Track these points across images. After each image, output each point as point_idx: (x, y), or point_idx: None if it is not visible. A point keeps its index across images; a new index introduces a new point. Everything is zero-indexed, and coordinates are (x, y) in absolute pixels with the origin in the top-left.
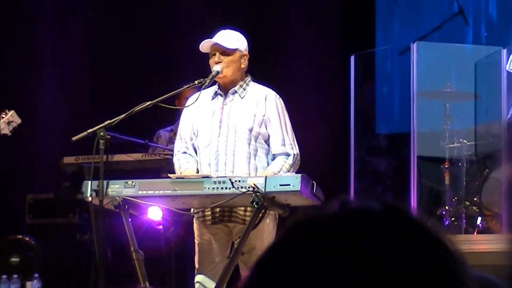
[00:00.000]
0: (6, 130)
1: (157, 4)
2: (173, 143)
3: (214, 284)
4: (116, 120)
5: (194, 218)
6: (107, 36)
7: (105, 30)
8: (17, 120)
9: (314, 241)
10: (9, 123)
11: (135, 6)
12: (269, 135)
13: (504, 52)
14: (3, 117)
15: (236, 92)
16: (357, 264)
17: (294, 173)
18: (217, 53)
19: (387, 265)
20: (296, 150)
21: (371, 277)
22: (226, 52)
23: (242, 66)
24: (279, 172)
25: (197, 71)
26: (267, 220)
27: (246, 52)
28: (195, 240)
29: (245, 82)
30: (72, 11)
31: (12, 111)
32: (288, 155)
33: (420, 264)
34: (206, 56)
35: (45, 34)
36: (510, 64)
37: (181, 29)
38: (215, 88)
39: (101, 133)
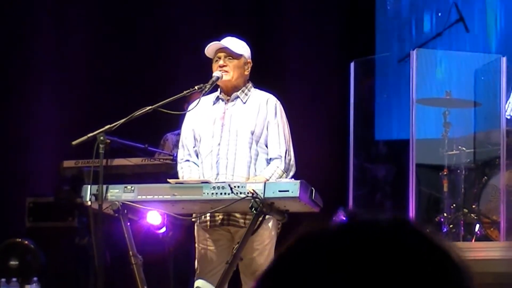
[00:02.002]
0: None
1: (158, 8)
2: None
3: None
4: (116, 125)
5: (196, 223)
6: (108, 39)
7: (106, 33)
8: None
9: (320, 254)
10: None
11: (135, 9)
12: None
13: (504, 60)
14: None
15: (238, 97)
16: (365, 278)
17: (292, 179)
18: (222, 57)
19: (394, 278)
20: (290, 155)
21: None
22: (231, 56)
23: (245, 73)
24: (270, 177)
25: (197, 76)
26: (269, 226)
27: (250, 60)
28: (196, 245)
29: (246, 88)
30: (72, 14)
31: None
32: (281, 159)
33: (428, 277)
34: (207, 61)
35: (45, 37)
36: (509, 108)
37: (182, 34)
38: (216, 93)
39: (101, 138)
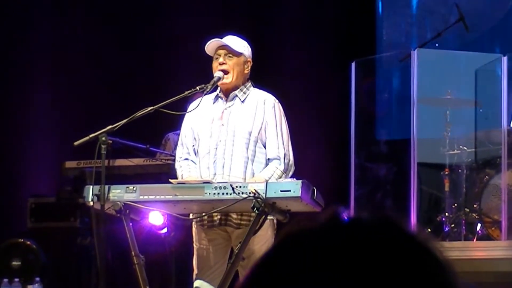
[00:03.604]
0: None
1: (158, 8)
2: None
3: None
4: (118, 125)
5: (193, 222)
6: (109, 40)
7: (107, 34)
8: None
9: (304, 253)
10: None
11: (136, 10)
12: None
13: (505, 59)
14: None
15: (236, 95)
16: (346, 277)
17: (293, 178)
18: (222, 54)
19: (376, 277)
20: (289, 156)
21: None
22: (232, 54)
23: (245, 71)
24: (269, 178)
25: (198, 76)
26: (266, 226)
27: (250, 59)
28: (194, 245)
29: (245, 87)
30: (72, 14)
31: None
32: (280, 160)
33: (410, 275)
34: (207, 61)
35: (46, 36)
36: None
37: (182, 34)
38: (216, 92)
39: (103, 138)
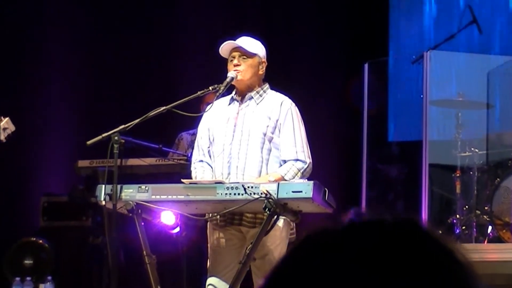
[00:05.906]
0: (1, 137)
1: (171, 8)
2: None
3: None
4: (130, 125)
5: (208, 222)
6: (123, 41)
7: (120, 34)
8: (12, 128)
9: (325, 253)
10: (4, 129)
11: (148, 10)
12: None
13: None
14: None
15: (252, 97)
16: (368, 277)
17: (305, 179)
18: (237, 56)
19: (397, 277)
20: (307, 158)
21: None
22: (245, 55)
23: (260, 72)
24: (285, 174)
25: (212, 77)
26: (280, 226)
27: (265, 60)
28: (208, 244)
29: (262, 89)
30: (84, 12)
31: (7, 118)
32: (297, 160)
33: (432, 277)
34: (221, 62)
35: (61, 35)
36: None
37: (195, 34)
38: (232, 94)
39: (116, 137)
